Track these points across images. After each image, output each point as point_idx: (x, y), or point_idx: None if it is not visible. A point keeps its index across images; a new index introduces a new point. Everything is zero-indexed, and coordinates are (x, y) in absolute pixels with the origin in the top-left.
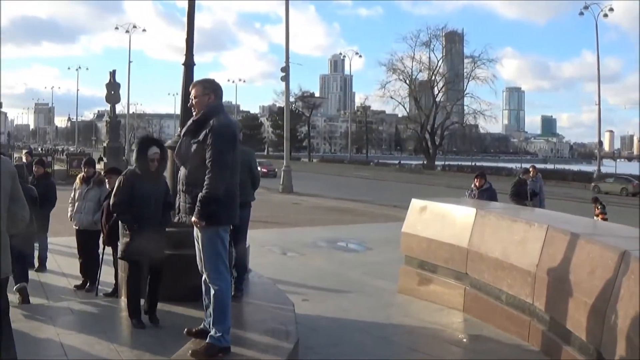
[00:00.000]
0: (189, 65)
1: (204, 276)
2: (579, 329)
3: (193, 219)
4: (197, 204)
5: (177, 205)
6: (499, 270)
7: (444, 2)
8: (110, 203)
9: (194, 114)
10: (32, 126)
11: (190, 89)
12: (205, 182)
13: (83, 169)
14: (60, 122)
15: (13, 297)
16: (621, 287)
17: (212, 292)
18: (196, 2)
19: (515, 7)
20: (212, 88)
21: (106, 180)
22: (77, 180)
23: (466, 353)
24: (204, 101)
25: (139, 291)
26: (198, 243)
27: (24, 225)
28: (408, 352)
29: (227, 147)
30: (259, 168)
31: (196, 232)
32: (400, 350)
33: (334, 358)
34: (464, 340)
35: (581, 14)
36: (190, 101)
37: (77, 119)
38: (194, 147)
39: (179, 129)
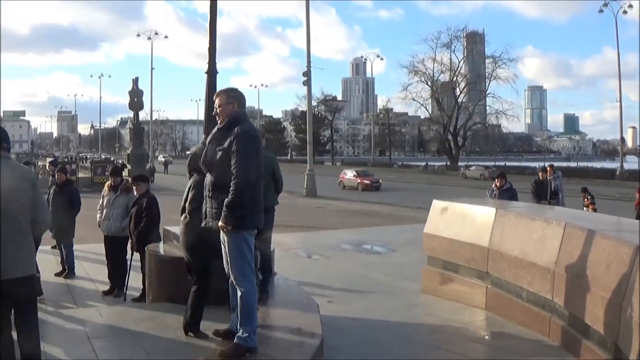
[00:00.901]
0: (212, 72)
1: (231, 278)
2: (597, 323)
3: (220, 223)
4: (224, 209)
5: (203, 210)
6: (519, 268)
7: (464, 2)
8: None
9: (218, 121)
10: (55, 134)
11: (214, 98)
12: (231, 188)
13: (110, 178)
14: (84, 129)
15: None
16: (636, 281)
17: (239, 294)
18: (217, 8)
19: (536, 6)
20: (235, 97)
21: (134, 188)
22: (105, 187)
23: (489, 350)
24: (227, 109)
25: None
26: (224, 247)
27: (46, 229)
28: (432, 350)
29: (251, 153)
30: (356, 178)
31: (222, 236)
32: (424, 348)
33: (358, 357)
34: (487, 337)
35: (601, 11)
36: (215, 109)
37: (100, 126)
38: (219, 154)
39: (203, 135)
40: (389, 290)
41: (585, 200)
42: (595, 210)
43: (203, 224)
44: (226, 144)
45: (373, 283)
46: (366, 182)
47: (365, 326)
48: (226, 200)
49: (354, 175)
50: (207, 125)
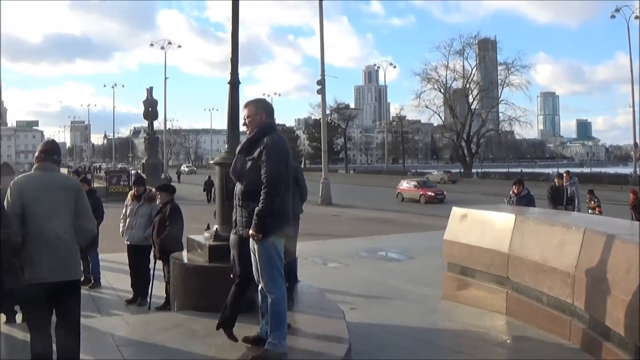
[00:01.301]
0: (234, 83)
1: (260, 286)
2: (617, 325)
3: (250, 231)
4: (254, 217)
5: (234, 219)
6: (539, 273)
7: (476, 9)
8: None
9: (247, 132)
10: (68, 144)
11: (243, 109)
12: (261, 197)
13: (133, 187)
14: (97, 139)
15: None
16: None
17: (269, 300)
18: (230, 16)
19: (547, 12)
20: (264, 107)
21: (157, 197)
22: (129, 197)
23: (511, 353)
24: (256, 120)
25: None
26: (254, 255)
27: (91, 237)
28: (454, 354)
29: (280, 163)
30: (417, 190)
31: (252, 244)
32: (447, 353)
33: None
34: (508, 341)
35: (613, 16)
36: (244, 120)
37: (113, 136)
38: (249, 164)
39: (226, 145)
40: (409, 296)
41: (592, 202)
42: (600, 212)
43: (233, 232)
44: (256, 153)
45: (393, 290)
46: (430, 194)
47: (388, 332)
48: (256, 209)
49: (415, 187)
50: (231, 135)
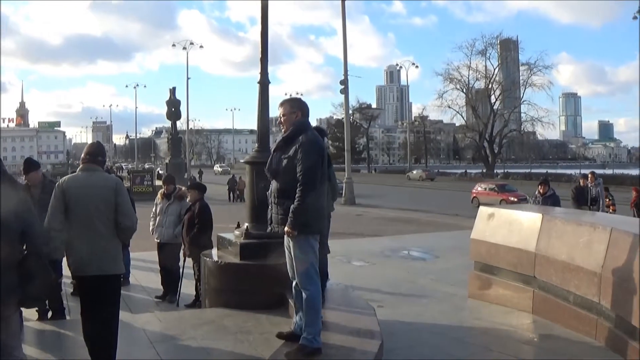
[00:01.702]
0: (264, 83)
1: (295, 282)
2: None
3: (286, 228)
4: (290, 214)
5: (269, 216)
6: (566, 272)
7: (498, 9)
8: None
9: (282, 130)
10: None
11: (278, 107)
12: (297, 194)
13: (163, 186)
14: (118, 139)
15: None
16: None
17: (304, 296)
18: (250, 16)
19: (569, 12)
20: (299, 106)
21: (187, 195)
22: (159, 195)
23: (538, 351)
24: (291, 119)
25: None
26: (289, 251)
27: (131, 234)
28: (484, 351)
29: (316, 161)
30: (497, 195)
31: (287, 241)
32: (476, 350)
33: (415, 358)
34: (535, 339)
35: (635, 17)
36: (279, 119)
37: (136, 136)
38: (284, 162)
39: (256, 144)
40: (436, 295)
41: (607, 200)
42: (614, 210)
43: (269, 229)
44: (291, 152)
45: (420, 288)
46: (512, 199)
47: (417, 329)
48: (292, 206)
49: (494, 191)
50: (261, 134)
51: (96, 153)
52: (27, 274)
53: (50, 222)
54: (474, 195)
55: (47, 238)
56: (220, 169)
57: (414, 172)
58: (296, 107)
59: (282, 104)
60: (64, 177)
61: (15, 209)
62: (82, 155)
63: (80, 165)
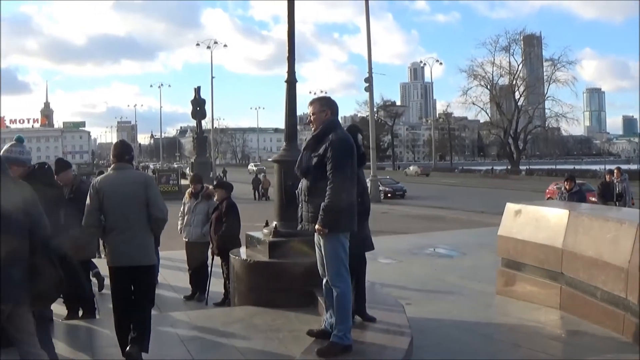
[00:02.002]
0: (291, 82)
1: (325, 280)
2: None
3: (316, 226)
4: (320, 212)
5: (299, 214)
6: (593, 268)
7: (521, 5)
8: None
9: (312, 129)
10: None
11: (308, 106)
12: (327, 192)
13: (191, 185)
14: (143, 139)
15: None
16: None
17: (335, 294)
18: (273, 15)
19: (592, 7)
20: (328, 105)
21: (214, 194)
22: (187, 194)
23: (567, 347)
24: (321, 117)
25: None
26: (320, 249)
27: (163, 224)
28: (512, 347)
29: (346, 159)
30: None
31: (317, 238)
32: (505, 346)
33: (444, 355)
34: (563, 335)
35: None
36: (309, 117)
37: (161, 135)
38: (314, 160)
39: (284, 142)
40: (464, 292)
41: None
42: (633, 204)
43: (299, 227)
44: (321, 150)
45: (447, 285)
46: (593, 199)
47: (445, 326)
48: (322, 204)
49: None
50: (289, 132)
51: (122, 153)
52: (35, 272)
53: (87, 220)
54: (549, 195)
55: (53, 233)
56: (255, 168)
57: (411, 168)
58: (326, 105)
59: (312, 102)
60: (97, 177)
61: (22, 206)
62: (110, 156)
63: (111, 165)
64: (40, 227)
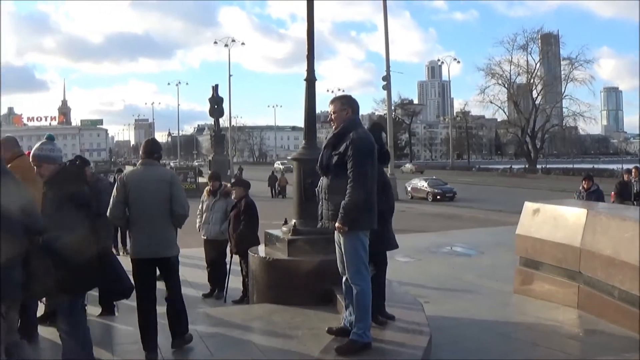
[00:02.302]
0: (310, 80)
1: (345, 277)
2: None
3: (337, 224)
4: (340, 210)
5: (319, 212)
6: (611, 267)
7: (538, 4)
8: None
9: (333, 127)
10: (132, 142)
11: (329, 105)
12: (348, 191)
13: (209, 183)
14: (161, 137)
15: None
16: None
17: (354, 292)
18: (291, 13)
19: (610, 6)
20: (349, 103)
21: (233, 192)
22: (205, 192)
23: (584, 346)
24: (342, 116)
25: None
26: (339, 247)
27: (184, 219)
28: (530, 346)
29: (366, 157)
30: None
31: (337, 236)
32: (523, 345)
33: (463, 354)
34: (581, 334)
35: None
36: (329, 116)
37: (178, 133)
38: (334, 158)
39: (304, 140)
40: (482, 290)
41: None
42: None
43: (319, 225)
44: (342, 148)
45: (465, 284)
46: None
47: (463, 325)
48: (343, 202)
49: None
50: (308, 130)
51: (151, 150)
52: (29, 269)
53: (113, 212)
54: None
55: (45, 226)
56: (281, 166)
57: (407, 165)
58: (347, 104)
59: (333, 101)
60: (125, 172)
61: (17, 203)
62: (140, 152)
63: (140, 161)
64: (33, 218)
